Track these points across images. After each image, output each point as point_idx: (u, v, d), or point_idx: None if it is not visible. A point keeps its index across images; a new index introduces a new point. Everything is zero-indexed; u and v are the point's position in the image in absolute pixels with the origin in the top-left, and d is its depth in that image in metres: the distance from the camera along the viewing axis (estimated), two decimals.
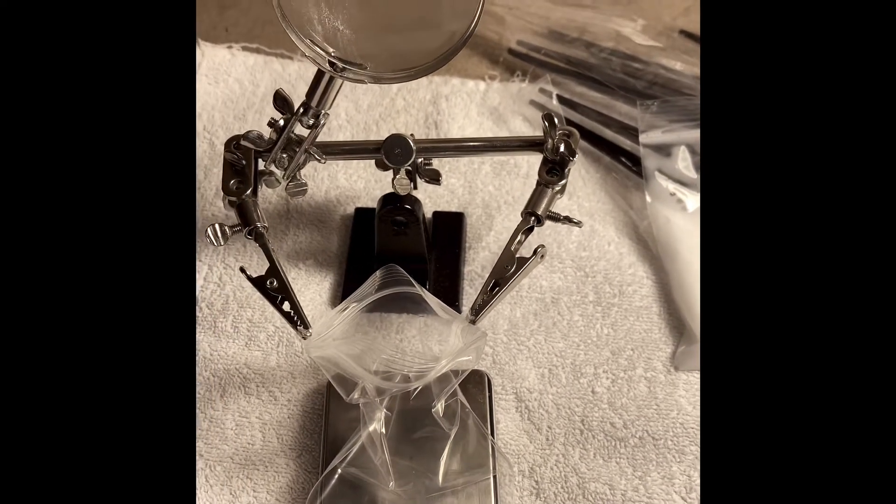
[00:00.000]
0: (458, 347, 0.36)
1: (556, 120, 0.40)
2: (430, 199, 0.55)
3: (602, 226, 0.53)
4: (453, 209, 0.54)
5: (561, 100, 0.58)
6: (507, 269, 0.37)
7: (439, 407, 0.38)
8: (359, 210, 0.53)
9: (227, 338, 0.49)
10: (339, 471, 0.40)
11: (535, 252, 0.38)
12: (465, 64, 0.63)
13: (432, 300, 0.38)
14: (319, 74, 0.37)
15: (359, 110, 0.60)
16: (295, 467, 0.44)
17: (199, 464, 0.44)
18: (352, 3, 0.35)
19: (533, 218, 0.39)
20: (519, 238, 0.39)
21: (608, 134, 0.56)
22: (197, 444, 0.44)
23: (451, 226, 0.53)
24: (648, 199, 0.52)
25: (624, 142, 0.56)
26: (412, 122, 0.59)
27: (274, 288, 0.37)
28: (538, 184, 0.40)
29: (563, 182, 0.40)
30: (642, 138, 0.52)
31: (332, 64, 0.36)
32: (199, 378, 0.47)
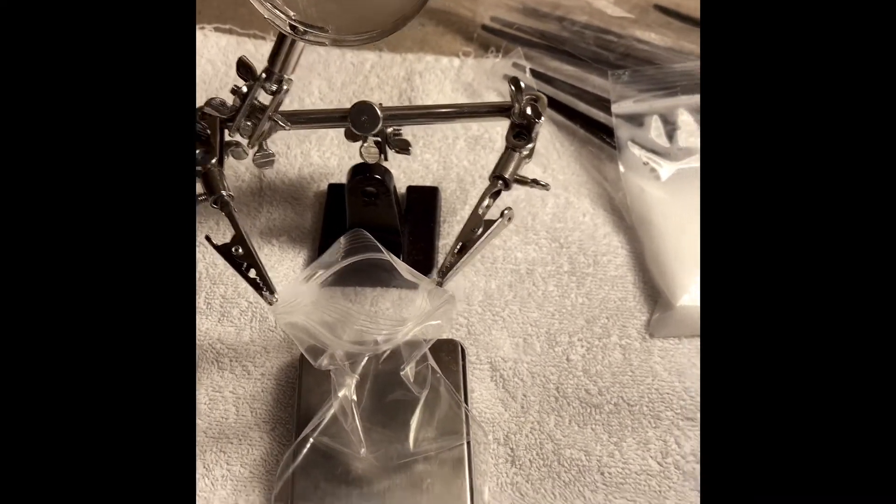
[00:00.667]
0: (426, 310, 0.36)
1: (522, 84, 0.39)
2: (405, 175, 0.55)
3: (577, 198, 0.53)
4: (428, 184, 0.54)
5: (535, 74, 0.58)
6: (474, 232, 0.37)
7: (409, 370, 0.38)
8: (332, 186, 0.53)
9: (200, 314, 0.48)
10: (311, 440, 0.40)
11: (501, 214, 0.38)
12: (438, 41, 0.63)
13: (400, 265, 0.37)
14: (281, 38, 0.37)
15: (332, 88, 0.59)
16: (269, 440, 0.44)
17: None
18: None
19: (500, 181, 0.39)
20: (487, 202, 0.38)
21: (582, 107, 0.56)
22: None
23: (425, 200, 0.52)
24: (622, 169, 0.51)
25: (598, 114, 0.56)
26: (386, 98, 0.59)
27: (239, 255, 0.37)
28: (506, 148, 0.40)
29: (531, 146, 0.40)
30: (614, 108, 0.52)
31: (292, 27, 0.36)
32: None
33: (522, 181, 0.39)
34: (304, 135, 0.57)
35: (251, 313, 0.48)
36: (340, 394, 0.37)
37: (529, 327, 0.48)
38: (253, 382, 0.46)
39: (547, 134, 0.56)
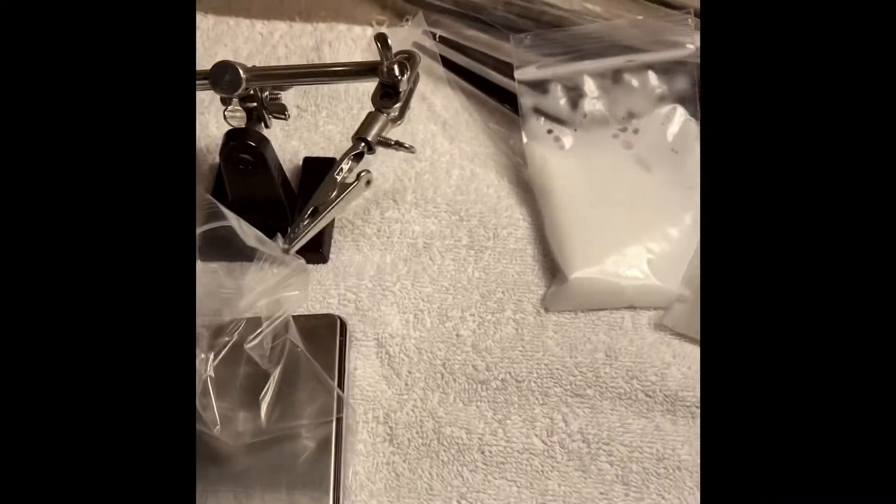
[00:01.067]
0: (275, 281, 0.34)
1: (388, 41, 0.37)
2: (305, 146, 0.53)
3: (483, 169, 0.51)
4: (328, 156, 0.52)
5: (444, 41, 0.56)
6: (327, 195, 0.35)
7: (261, 344, 0.36)
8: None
9: None
10: None
11: (358, 177, 0.36)
12: (352, 10, 0.61)
13: (247, 231, 0.35)
14: None
15: (237, 57, 0.57)
16: None
17: None
18: None
19: (362, 143, 0.37)
20: (346, 164, 0.36)
21: (494, 77, 0.54)
22: None
23: (321, 172, 0.50)
24: (525, 139, 0.49)
25: (510, 83, 0.53)
26: None
27: None
28: (374, 109, 0.38)
29: (399, 106, 0.38)
30: (517, 74, 0.49)
31: None
32: None
33: (386, 143, 0.37)
34: (205, 104, 0.55)
35: None
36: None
37: (421, 302, 0.46)
38: None
39: (458, 105, 0.54)
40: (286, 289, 0.34)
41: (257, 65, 0.56)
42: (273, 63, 0.57)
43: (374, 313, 0.45)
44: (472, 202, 0.49)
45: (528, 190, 0.50)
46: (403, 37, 0.57)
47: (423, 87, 0.55)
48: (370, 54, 0.57)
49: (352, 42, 0.58)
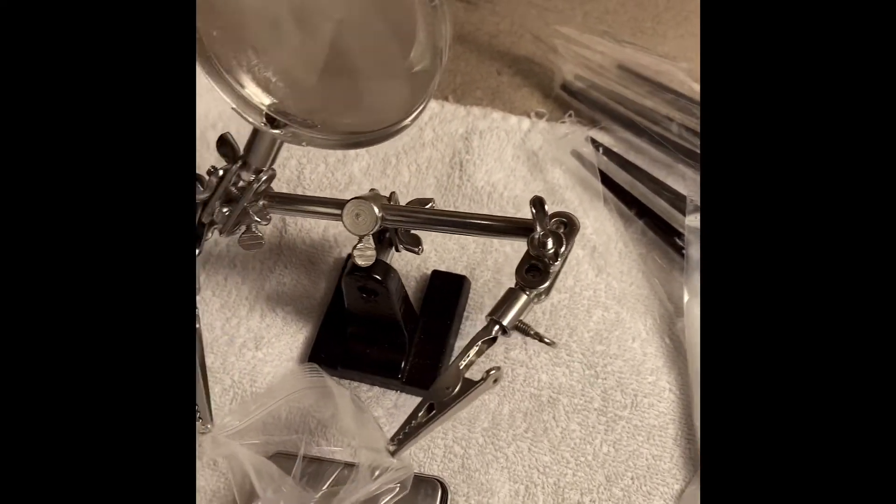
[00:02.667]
0: (372, 489, 0.30)
1: (545, 206, 0.32)
2: (436, 253, 0.48)
3: (630, 315, 0.44)
4: (459, 269, 0.47)
5: (608, 153, 0.49)
6: (448, 391, 0.30)
7: None
8: (350, 257, 0.47)
9: None
10: None
11: (487, 374, 0.30)
12: (512, 95, 0.55)
13: (347, 412, 0.31)
14: (256, 130, 0.31)
15: None
16: None
17: None
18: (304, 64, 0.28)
19: (497, 327, 0.31)
20: (474, 350, 0.31)
21: (659, 205, 0.47)
22: None
23: (448, 289, 0.46)
24: (686, 295, 0.42)
25: (678, 218, 0.46)
26: (437, 157, 0.52)
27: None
28: (516, 284, 0.32)
29: (545, 286, 0.32)
30: (688, 220, 0.42)
31: (270, 119, 0.30)
32: None
33: (524, 331, 0.32)
34: (339, 191, 0.51)
35: (233, 394, 0.44)
36: None
37: (536, 473, 0.40)
38: (218, 476, 0.41)
39: (611, 229, 0.48)
40: (385, 494, 0.29)
41: (401, 150, 0.52)
42: (418, 147, 0.53)
43: (481, 476, 0.40)
44: (613, 356, 0.43)
45: (682, 353, 0.43)
46: (562, 137, 0.51)
47: (576, 199, 0.49)
48: (522, 151, 0.52)
49: (504, 135, 0.53)
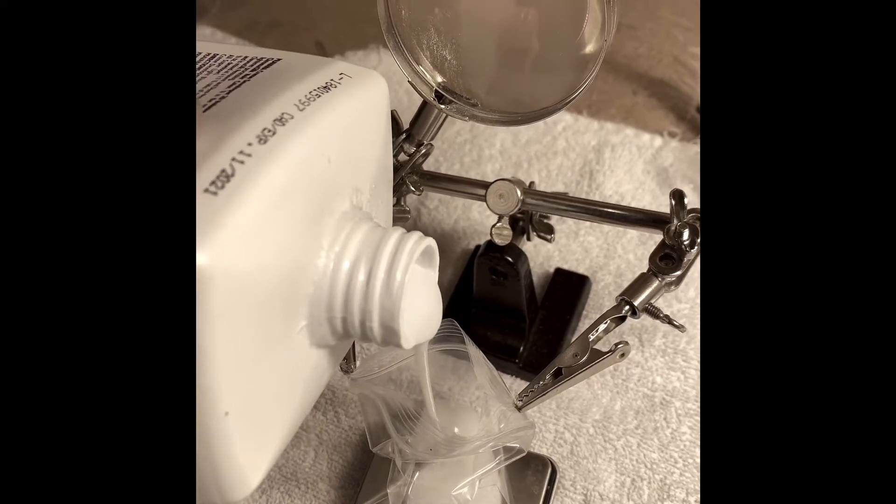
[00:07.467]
0: (496, 434, 0.32)
1: (685, 199, 0.33)
2: (560, 254, 0.50)
3: None
4: (581, 270, 0.49)
5: None
6: (576, 358, 0.32)
7: (465, 492, 0.34)
8: (478, 248, 0.50)
9: None
10: None
11: (615, 347, 0.32)
12: (646, 115, 0.57)
13: (482, 370, 0.33)
14: (423, 104, 0.35)
15: (515, 144, 0.56)
16: (334, 496, 0.42)
17: None
18: (470, 35, 0.31)
19: (628, 307, 0.33)
20: (603, 326, 0.33)
21: None
22: None
23: (570, 287, 0.47)
24: None
25: None
26: (567, 165, 0.55)
27: None
28: (648, 269, 0.34)
29: (678, 274, 0.33)
30: None
31: (438, 95, 0.33)
32: None
33: (654, 314, 0.33)
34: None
35: (360, 361, 0.47)
36: (390, 490, 0.34)
37: (643, 468, 0.41)
38: (340, 432, 0.44)
39: None
40: (511, 441, 0.31)
41: (533, 156, 0.55)
42: (550, 154, 0.56)
43: (588, 464, 0.41)
44: None
45: None
46: (693, 156, 0.53)
47: None
48: (653, 168, 0.54)
49: (636, 151, 0.54)
